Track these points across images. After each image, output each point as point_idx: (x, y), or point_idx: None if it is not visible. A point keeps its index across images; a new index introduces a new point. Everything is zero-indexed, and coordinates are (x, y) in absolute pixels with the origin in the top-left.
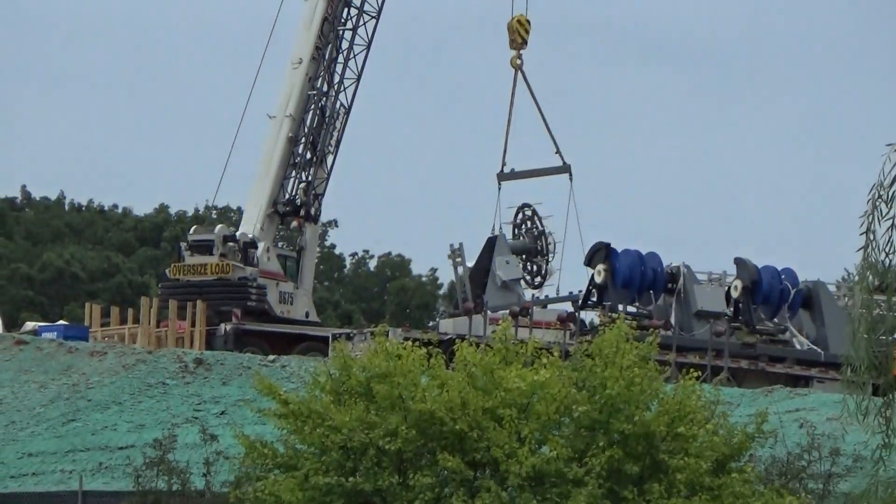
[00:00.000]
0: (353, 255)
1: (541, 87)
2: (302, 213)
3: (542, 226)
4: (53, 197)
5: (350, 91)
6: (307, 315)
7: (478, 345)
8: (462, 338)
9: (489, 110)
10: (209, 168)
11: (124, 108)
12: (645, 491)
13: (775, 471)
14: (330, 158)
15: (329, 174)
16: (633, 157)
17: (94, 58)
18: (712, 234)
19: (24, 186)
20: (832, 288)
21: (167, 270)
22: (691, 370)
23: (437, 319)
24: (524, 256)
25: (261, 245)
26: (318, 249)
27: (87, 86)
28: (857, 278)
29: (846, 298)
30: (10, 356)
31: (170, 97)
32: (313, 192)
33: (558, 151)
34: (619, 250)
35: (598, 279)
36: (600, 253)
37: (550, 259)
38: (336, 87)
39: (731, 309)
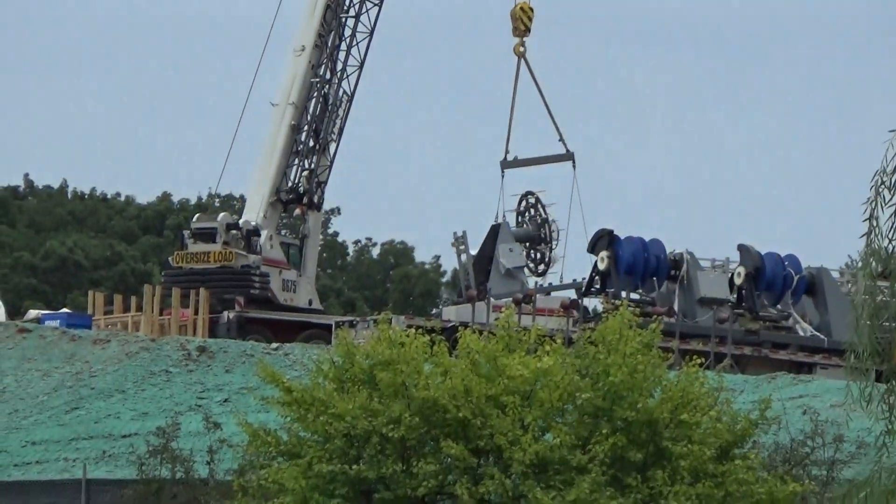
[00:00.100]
0: (357, 242)
1: (544, 74)
2: (305, 200)
3: (546, 213)
4: (56, 185)
5: (353, 78)
6: (310, 303)
7: (481, 332)
8: (465, 325)
9: (492, 98)
10: (212, 156)
11: (127, 96)
12: (648, 478)
13: (779, 457)
14: (333, 146)
15: (332, 162)
16: (637, 144)
17: (97, 45)
18: (715, 221)
19: (26, 174)
20: (835, 274)
21: (170, 258)
22: (695, 357)
23: (441, 307)
24: (528, 244)
25: (264, 233)
26: (321, 237)
27: (90, 73)
28: (860, 264)
29: (849, 285)
30: (14, 344)
31: (173, 85)
32: (316, 179)
33: (561, 139)
34: (623, 237)
35: (602, 266)
36: (603, 240)
37: (554, 246)
38: (339, 74)
39: (735, 295)
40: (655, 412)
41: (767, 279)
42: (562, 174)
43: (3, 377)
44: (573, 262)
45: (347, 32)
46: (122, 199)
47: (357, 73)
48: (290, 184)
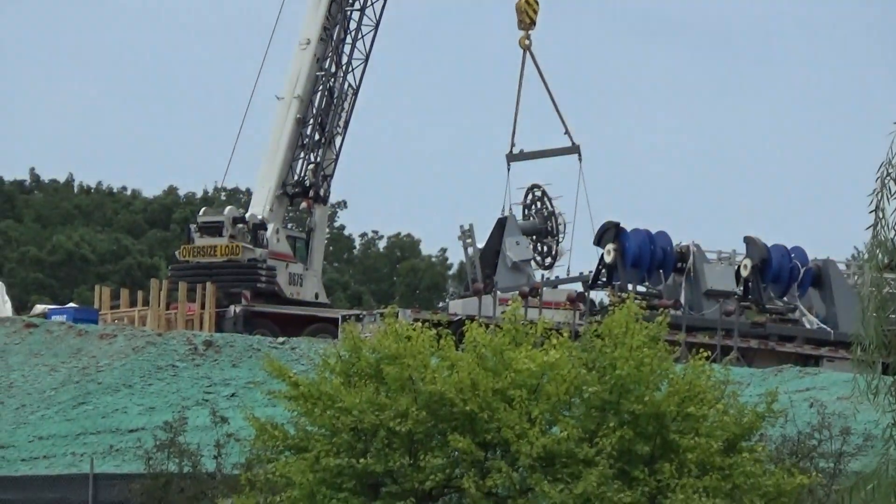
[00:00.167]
0: (363, 235)
1: (549, 67)
2: (311, 194)
3: (552, 206)
4: (62, 179)
5: (358, 72)
6: (317, 296)
7: (488, 326)
8: (472, 319)
9: (498, 91)
10: (218, 149)
11: (133, 90)
12: (656, 471)
13: (786, 450)
14: (338, 139)
15: (338, 155)
16: (642, 136)
17: (102, 39)
18: (722, 213)
19: (32, 169)
20: (842, 266)
21: (177, 252)
22: (701, 350)
23: (447, 300)
24: (534, 237)
25: (270, 226)
26: (327, 230)
27: (96, 67)
28: (866, 256)
29: (856, 277)
30: (20, 339)
31: (178, 78)
32: (322, 173)
33: (567, 132)
34: (629, 230)
35: (608, 259)
36: (610, 232)
37: (560, 239)
38: (344, 67)
39: (741, 288)
40: (662, 405)
41: (774, 271)
42: (568, 167)
43: (10, 372)
44: (580, 254)
45: (352, 26)
46: (129, 192)
47: (362, 66)
48: (296, 177)
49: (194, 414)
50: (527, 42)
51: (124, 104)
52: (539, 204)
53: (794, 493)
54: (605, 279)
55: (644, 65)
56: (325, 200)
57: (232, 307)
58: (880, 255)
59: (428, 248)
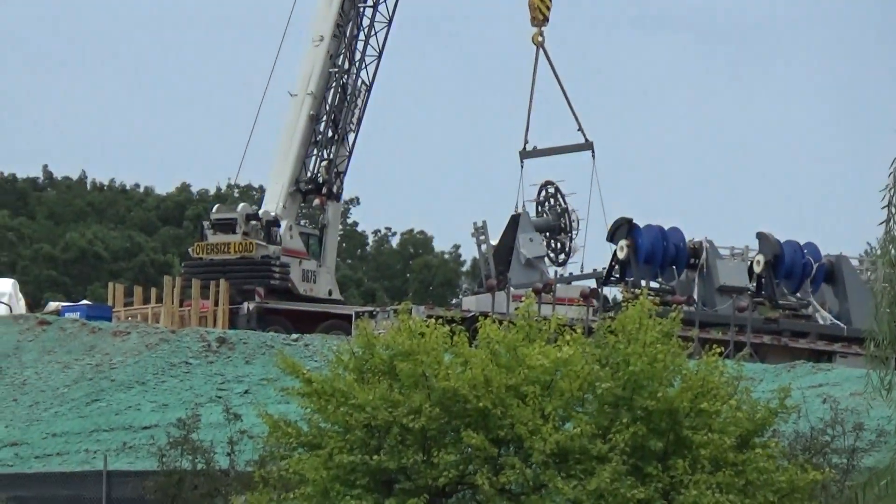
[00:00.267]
0: (376, 232)
1: (562, 64)
2: (324, 190)
3: (566, 203)
4: (75, 176)
5: (371, 68)
6: (330, 293)
7: (501, 322)
8: (485, 315)
9: (511, 87)
10: (231, 146)
11: (145, 87)
12: (669, 467)
13: (799, 446)
14: (351, 136)
15: (351, 152)
16: (655, 132)
17: (116, 36)
18: (734, 209)
19: (45, 166)
20: (855, 262)
21: (190, 249)
22: (714, 346)
23: (460, 297)
24: (548, 234)
25: (283, 223)
26: (340, 227)
27: (109, 64)
28: (879, 252)
29: (869, 273)
30: (34, 337)
31: (191, 75)
32: (335, 169)
33: (580, 129)
34: (642, 226)
35: (621, 255)
36: (622, 229)
37: (574, 236)
38: (357, 64)
39: (754, 284)
40: (675, 401)
41: (787, 267)
42: (581, 164)
43: (24, 369)
44: (593, 251)
45: (366, 22)
46: (142, 189)
47: (375, 62)
48: (309, 174)
49: (207, 411)
50: (540, 39)
51: (137, 101)
52: (552, 200)
53: (807, 489)
54: (618, 275)
55: (657, 62)
56: (338, 197)
57: (245, 304)
58: (893, 251)
59: (441, 245)
